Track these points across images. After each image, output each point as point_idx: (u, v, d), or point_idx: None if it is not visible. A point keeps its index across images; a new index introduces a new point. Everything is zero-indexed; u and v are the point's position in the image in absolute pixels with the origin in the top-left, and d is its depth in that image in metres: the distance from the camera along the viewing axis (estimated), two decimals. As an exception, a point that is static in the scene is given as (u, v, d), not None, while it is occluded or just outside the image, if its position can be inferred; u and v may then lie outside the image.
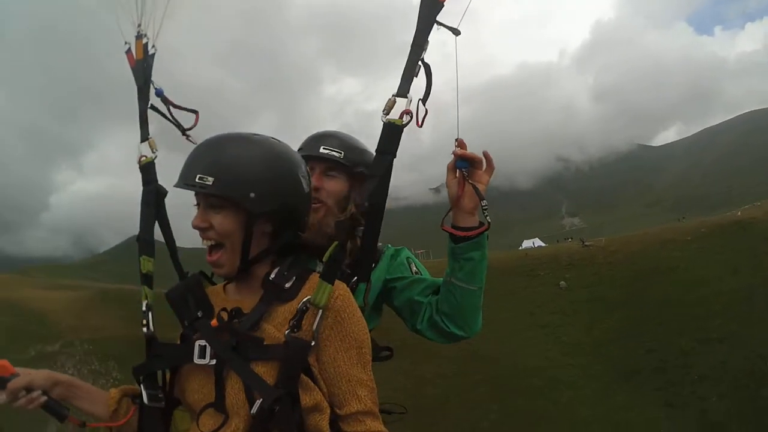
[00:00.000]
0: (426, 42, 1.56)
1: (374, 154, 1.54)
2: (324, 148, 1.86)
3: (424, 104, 1.55)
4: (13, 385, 1.36)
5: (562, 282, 39.80)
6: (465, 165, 1.67)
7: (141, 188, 1.69)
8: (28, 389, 1.38)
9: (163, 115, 1.79)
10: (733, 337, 29.82)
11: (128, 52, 1.83)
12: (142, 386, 1.45)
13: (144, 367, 1.46)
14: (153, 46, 1.80)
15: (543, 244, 72.07)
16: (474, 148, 1.69)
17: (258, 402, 1.25)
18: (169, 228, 1.71)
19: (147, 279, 1.58)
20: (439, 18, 1.58)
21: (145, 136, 1.73)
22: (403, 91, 1.54)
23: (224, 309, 1.35)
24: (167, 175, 1.62)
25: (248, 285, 1.45)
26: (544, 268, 42.07)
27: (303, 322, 1.33)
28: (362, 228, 1.57)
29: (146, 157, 1.71)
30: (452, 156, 1.68)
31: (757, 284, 32.68)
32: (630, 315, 34.57)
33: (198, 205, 1.42)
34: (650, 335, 32.45)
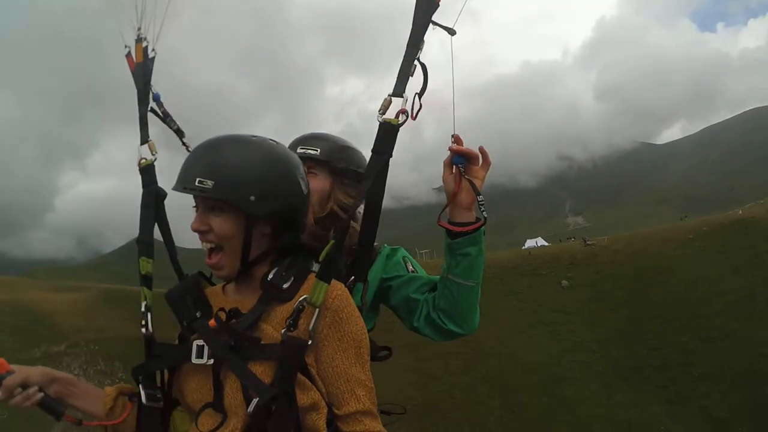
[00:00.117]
0: (422, 42, 1.55)
1: (359, 152, 1.52)
2: (301, 148, 1.87)
3: (419, 98, 1.54)
4: (8, 382, 1.35)
5: (563, 281, 39.75)
6: (461, 161, 1.67)
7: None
8: (24, 386, 1.37)
9: (163, 119, 1.80)
10: (735, 335, 29.76)
11: (128, 55, 1.84)
12: (140, 386, 1.45)
13: (142, 368, 1.46)
14: (153, 50, 1.80)
15: (546, 243, 71.76)
16: (477, 147, 1.69)
17: (254, 401, 1.25)
18: (169, 230, 1.72)
19: (146, 280, 1.58)
20: (439, 18, 1.57)
21: (144, 139, 1.74)
22: (398, 90, 1.54)
23: (222, 309, 1.35)
24: (167, 175, 1.62)
25: (247, 285, 1.45)
26: (546, 267, 42.04)
27: (300, 321, 1.32)
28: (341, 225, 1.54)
29: (146, 159, 1.72)
30: (449, 152, 1.68)
31: (759, 283, 32.59)
32: (632, 313, 34.52)
33: (197, 207, 1.42)
34: (652, 333, 32.40)
